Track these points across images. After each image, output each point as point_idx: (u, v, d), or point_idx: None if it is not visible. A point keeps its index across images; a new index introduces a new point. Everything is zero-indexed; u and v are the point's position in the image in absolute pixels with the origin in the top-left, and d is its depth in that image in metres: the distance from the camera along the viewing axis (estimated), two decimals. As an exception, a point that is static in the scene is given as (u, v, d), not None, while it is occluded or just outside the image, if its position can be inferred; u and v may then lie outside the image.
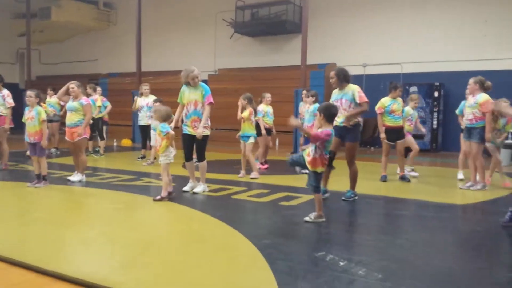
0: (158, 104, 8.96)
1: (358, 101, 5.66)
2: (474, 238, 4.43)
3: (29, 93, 6.67)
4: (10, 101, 8.12)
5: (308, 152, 4.76)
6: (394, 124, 7.41)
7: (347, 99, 5.71)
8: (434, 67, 13.18)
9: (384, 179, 7.48)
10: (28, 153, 6.63)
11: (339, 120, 5.63)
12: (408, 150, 8.17)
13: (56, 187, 6.67)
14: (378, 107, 7.49)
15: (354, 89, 5.72)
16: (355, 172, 5.85)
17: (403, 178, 7.48)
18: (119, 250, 3.85)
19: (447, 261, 3.67)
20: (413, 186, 7.12)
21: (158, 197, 5.81)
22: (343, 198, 5.80)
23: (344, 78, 5.74)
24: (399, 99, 7.52)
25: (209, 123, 6.33)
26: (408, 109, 8.03)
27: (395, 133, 7.44)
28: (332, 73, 5.83)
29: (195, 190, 6.29)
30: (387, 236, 4.43)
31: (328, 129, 4.72)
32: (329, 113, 4.82)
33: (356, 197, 5.87)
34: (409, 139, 7.97)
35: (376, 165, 9.29)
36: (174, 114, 6.26)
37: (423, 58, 13.39)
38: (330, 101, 5.71)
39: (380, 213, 5.57)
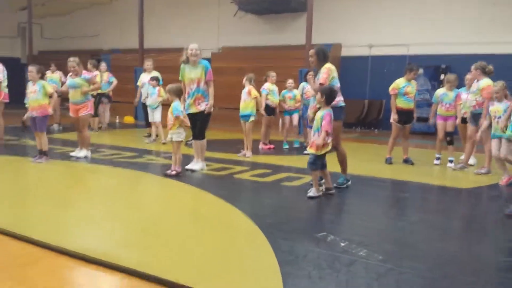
0: (154, 82, 8.94)
1: (320, 81, 5.24)
2: (477, 222, 4.42)
3: (30, 68, 6.63)
4: (0, 76, 8.02)
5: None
6: (406, 106, 7.30)
7: (318, 78, 5.35)
8: (440, 49, 12.99)
9: (389, 161, 7.42)
10: (22, 123, 6.56)
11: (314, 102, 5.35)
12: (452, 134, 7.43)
13: (58, 162, 6.67)
14: (392, 88, 7.37)
15: (323, 69, 5.31)
16: (343, 154, 5.48)
17: (406, 161, 7.44)
18: (121, 226, 3.86)
19: (449, 244, 3.66)
20: (417, 169, 7.08)
21: (173, 172, 5.86)
22: (334, 185, 5.35)
23: (323, 57, 5.39)
24: (414, 82, 7.40)
25: (210, 100, 6.27)
26: (442, 91, 7.39)
27: (406, 115, 7.33)
28: (311, 51, 5.46)
29: (193, 167, 6.26)
30: (389, 218, 4.42)
31: (327, 112, 4.91)
32: (330, 96, 4.99)
33: (349, 182, 5.55)
34: (450, 124, 7.31)
35: (381, 147, 9.26)
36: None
37: (429, 40, 13.19)
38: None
39: (383, 196, 5.55)
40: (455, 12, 12.89)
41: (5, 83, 8.14)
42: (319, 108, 5.07)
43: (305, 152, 5.04)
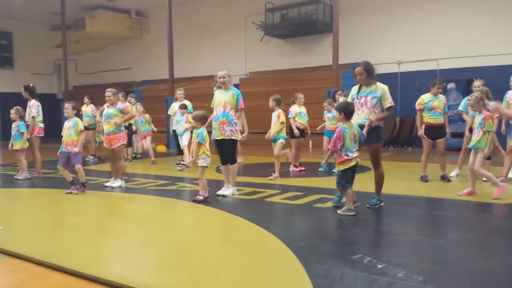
0: (183, 110, 9.12)
1: (388, 105, 5.20)
2: (521, 238, 4.21)
3: (66, 105, 6.89)
4: (34, 111, 8.38)
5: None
6: (434, 121, 7.15)
7: (373, 97, 5.20)
8: (472, 62, 12.73)
9: (424, 179, 7.22)
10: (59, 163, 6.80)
11: (359, 119, 5.20)
12: None
13: (93, 193, 6.81)
14: (417, 103, 7.29)
15: (384, 89, 5.24)
16: (381, 176, 5.33)
17: (443, 177, 7.22)
18: (154, 253, 3.87)
19: (490, 261, 3.50)
20: (453, 186, 6.86)
21: (201, 197, 5.89)
22: (367, 205, 5.28)
23: (372, 73, 5.28)
24: (441, 96, 7.27)
25: (239, 127, 6.33)
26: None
27: (435, 131, 7.16)
28: (359, 69, 5.24)
29: (224, 193, 6.26)
30: (427, 237, 4.27)
31: (338, 129, 4.98)
32: (348, 111, 5.01)
33: (382, 204, 5.38)
34: None
35: (415, 165, 9.06)
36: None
37: (459, 54, 12.96)
38: (350, 97, 5.44)
39: (419, 214, 5.39)
40: (485, 24, 12.66)
41: (39, 118, 8.50)
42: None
43: (333, 171, 5.02)
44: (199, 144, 5.86)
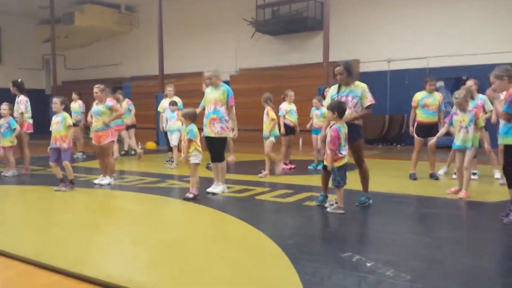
0: (173, 106, 9.07)
1: (368, 103, 5.23)
2: (505, 237, 4.26)
3: (54, 100, 6.80)
4: (22, 107, 8.32)
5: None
6: (426, 120, 7.19)
7: (354, 96, 5.23)
8: (461, 60, 12.84)
9: (413, 177, 7.27)
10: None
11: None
12: None
13: (82, 190, 6.76)
14: (412, 101, 7.34)
15: (364, 88, 5.26)
16: (365, 172, 5.38)
17: (431, 176, 7.28)
18: (144, 250, 3.85)
19: (478, 260, 3.53)
20: (442, 184, 6.93)
21: (191, 195, 5.88)
22: (356, 203, 5.33)
23: (352, 73, 5.29)
24: (436, 94, 7.28)
25: (229, 124, 6.32)
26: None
27: (427, 129, 7.19)
28: (339, 68, 5.23)
29: (214, 191, 6.25)
30: (415, 235, 4.31)
31: (334, 127, 4.99)
32: (341, 110, 5.03)
33: (370, 201, 5.42)
34: None
35: (404, 162, 9.11)
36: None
37: (449, 52, 13.06)
38: (330, 97, 5.46)
39: (408, 212, 5.43)
40: (474, 23, 12.76)
41: (28, 114, 8.44)
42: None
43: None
44: (190, 140, 5.85)
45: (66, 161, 6.65)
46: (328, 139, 5.01)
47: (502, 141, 4.64)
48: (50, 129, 6.75)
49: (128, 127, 11.32)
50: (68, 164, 6.68)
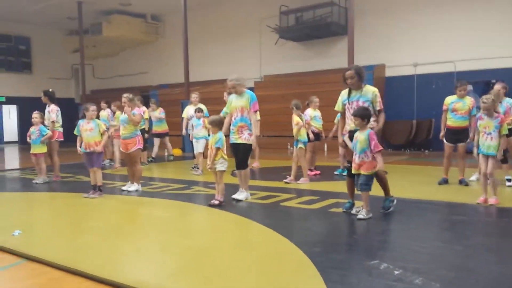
0: (199, 113, 9.13)
1: (378, 108, 5.19)
2: (541, 244, 4.13)
3: (93, 107, 6.95)
4: (53, 116, 8.55)
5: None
6: (454, 124, 7.05)
7: (365, 101, 5.19)
8: (489, 64, 12.55)
9: (443, 181, 7.18)
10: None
11: (353, 124, 5.17)
12: None
13: (110, 197, 6.88)
14: (443, 104, 7.23)
15: (375, 92, 5.22)
16: (383, 177, 5.30)
17: (461, 182, 7.12)
18: (171, 257, 3.89)
19: (509, 268, 3.44)
20: (472, 190, 6.77)
21: (216, 202, 5.94)
22: (381, 210, 5.24)
23: (363, 77, 5.24)
24: (467, 98, 7.09)
25: (255, 131, 6.32)
26: None
27: (455, 134, 7.05)
28: (350, 72, 5.20)
29: (238, 197, 6.26)
30: (444, 243, 4.21)
31: (371, 131, 5.00)
32: (369, 117, 5.05)
33: (395, 202, 5.35)
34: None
35: (432, 168, 8.97)
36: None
37: (476, 55, 12.79)
38: (341, 102, 5.42)
39: (436, 219, 5.32)
40: (502, 25, 12.47)
41: (59, 123, 8.66)
42: (351, 131, 5.20)
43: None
44: (218, 149, 5.91)
45: (97, 167, 6.81)
46: (373, 142, 4.95)
47: None
48: (75, 132, 6.90)
49: (160, 135, 11.71)
50: (99, 170, 6.82)
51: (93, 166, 6.83)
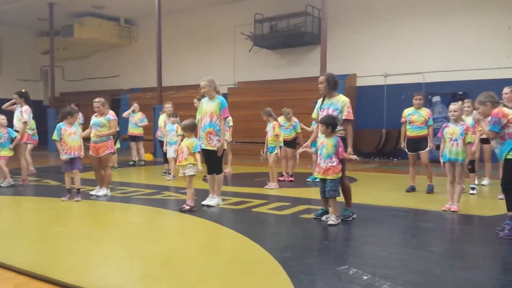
0: (174, 118, 9.10)
1: (344, 117, 5.25)
2: (502, 251, 4.27)
3: (74, 112, 6.86)
4: (26, 116, 8.34)
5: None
6: (412, 134, 7.35)
7: (334, 109, 5.30)
8: (457, 76, 12.96)
9: (410, 189, 7.39)
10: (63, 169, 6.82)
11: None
12: None
13: (77, 202, 6.73)
14: (402, 117, 7.51)
15: (345, 102, 5.31)
16: (348, 187, 5.39)
17: (428, 188, 7.31)
18: (139, 263, 3.84)
19: (474, 273, 3.54)
20: (439, 197, 6.94)
21: (187, 207, 5.89)
22: (341, 218, 5.26)
23: (334, 85, 5.36)
24: (423, 110, 7.35)
25: (226, 137, 6.34)
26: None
27: (414, 143, 7.33)
28: (322, 78, 5.41)
29: (209, 203, 6.24)
30: (412, 248, 4.30)
31: (338, 138, 5.17)
32: (335, 125, 5.18)
33: (355, 216, 5.39)
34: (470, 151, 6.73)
35: (400, 176, 9.15)
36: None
37: (445, 67, 13.18)
38: (316, 109, 5.57)
39: (405, 225, 5.44)
40: (470, 38, 12.90)
41: (29, 126, 8.48)
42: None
43: (316, 181, 5.06)
44: (199, 153, 5.94)
45: (77, 170, 6.75)
46: (340, 149, 5.08)
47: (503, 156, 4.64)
48: (54, 137, 6.73)
49: (136, 138, 11.65)
50: (78, 173, 6.78)
51: (73, 169, 6.74)
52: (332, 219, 5.10)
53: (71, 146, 6.69)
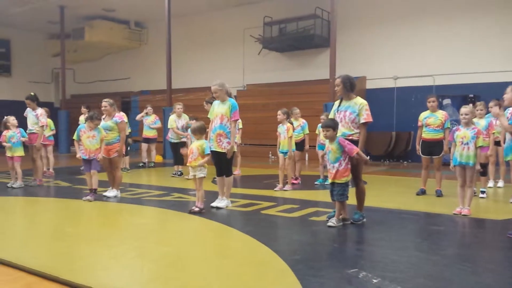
0: (194, 121, 9.11)
1: (364, 120, 5.21)
2: (515, 255, 4.23)
3: (95, 118, 6.94)
4: (43, 120, 8.41)
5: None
6: (427, 136, 7.23)
7: (352, 112, 5.25)
8: (467, 78, 12.86)
9: (421, 192, 7.32)
10: (82, 169, 7.06)
11: (339, 133, 5.22)
12: None
13: (88, 202, 6.77)
14: (418, 120, 7.42)
15: (363, 105, 5.24)
16: (362, 191, 5.36)
17: (436, 192, 7.25)
18: (149, 264, 3.85)
19: (484, 277, 3.50)
20: (450, 201, 6.88)
21: (196, 209, 5.93)
22: (350, 221, 5.27)
23: (350, 86, 5.30)
24: (439, 112, 7.26)
25: (236, 139, 6.34)
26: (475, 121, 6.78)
27: (429, 146, 7.23)
28: (337, 80, 5.35)
29: (218, 205, 6.24)
30: (422, 252, 4.27)
31: (342, 138, 5.16)
32: (336, 125, 5.18)
33: (365, 220, 5.36)
34: (483, 154, 6.86)
35: (410, 179, 9.09)
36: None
37: (455, 70, 13.09)
38: (332, 111, 5.51)
39: (415, 229, 5.39)
40: (481, 41, 12.81)
41: (50, 126, 8.72)
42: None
43: (326, 183, 5.07)
44: (208, 155, 5.97)
45: (94, 171, 6.93)
46: (348, 146, 5.04)
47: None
48: (74, 137, 7.06)
49: (149, 140, 11.72)
50: (96, 174, 6.96)
51: (91, 170, 6.94)
52: (332, 220, 5.10)
53: (88, 149, 6.89)
